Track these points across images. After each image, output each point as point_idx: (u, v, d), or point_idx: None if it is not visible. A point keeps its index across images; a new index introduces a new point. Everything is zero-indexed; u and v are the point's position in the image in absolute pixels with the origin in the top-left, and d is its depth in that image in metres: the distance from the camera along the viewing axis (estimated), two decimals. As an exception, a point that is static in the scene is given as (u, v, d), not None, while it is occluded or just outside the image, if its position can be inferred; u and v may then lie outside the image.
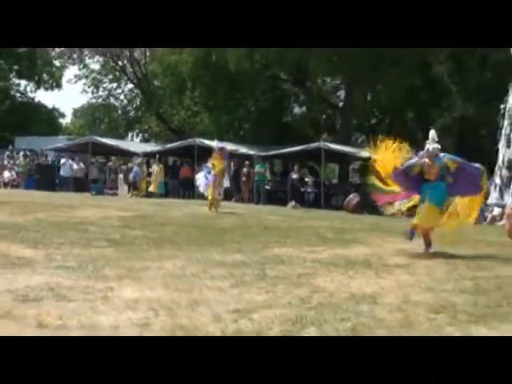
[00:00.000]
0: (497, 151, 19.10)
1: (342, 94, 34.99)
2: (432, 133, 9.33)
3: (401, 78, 27.10)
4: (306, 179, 26.14)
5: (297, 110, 38.37)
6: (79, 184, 27.19)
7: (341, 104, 33.70)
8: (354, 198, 20.71)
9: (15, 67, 44.84)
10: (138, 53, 40.63)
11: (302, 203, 22.43)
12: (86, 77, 43.92)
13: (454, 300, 5.45)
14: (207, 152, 18.83)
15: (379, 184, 9.46)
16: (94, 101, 46.87)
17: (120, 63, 42.51)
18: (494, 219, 17.90)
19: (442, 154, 9.11)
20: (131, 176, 25.44)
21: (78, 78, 43.97)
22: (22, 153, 30.32)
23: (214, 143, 16.88)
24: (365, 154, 24.24)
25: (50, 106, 48.41)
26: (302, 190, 24.70)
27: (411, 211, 9.52)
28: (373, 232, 12.07)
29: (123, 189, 25.63)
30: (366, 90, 30.14)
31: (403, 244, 9.55)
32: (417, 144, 38.62)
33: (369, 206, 20.16)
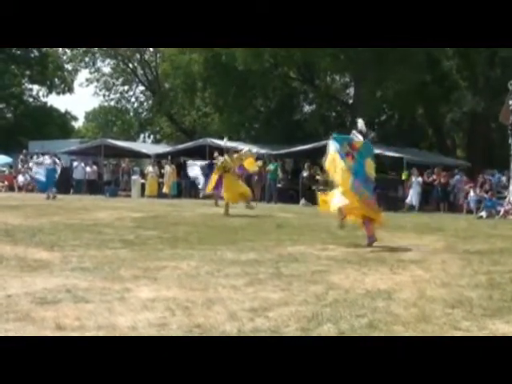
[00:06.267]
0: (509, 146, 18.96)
1: (351, 91, 34.92)
2: (360, 122, 9.32)
3: (409, 74, 26.95)
4: (317, 177, 26.05)
5: (306, 108, 38.36)
6: (92, 186, 27.30)
7: (350, 101, 33.62)
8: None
9: (27, 72, 45.06)
10: (148, 55, 40.77)
11: (314, 201, 22.35)
12: (98, 80, 44.14)
13: (469, 295, 5.41)
14: (219, 151, 18.87)
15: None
16: (105, 104, 47.15)
17: (131, 65, 42.67)
18: (506, 213, 17.79)
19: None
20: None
21: (90, 81, 44.24)
22: (35, 157, 30.38)
23: (224, 141, 16.29)
24: (376, 150, 24.31)
25: (62, 109, 48.71)
26: (313, 187, 24.62)
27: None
28: (384, 228, 12.00)
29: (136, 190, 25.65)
30: (374, 86, 30.00)
31: (416, 239, 9.50)
32: (427, 139, 38.55)
33: (381, 203, 20.14)
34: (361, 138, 9.08)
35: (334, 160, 8.99)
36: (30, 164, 21.82)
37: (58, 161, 21.76)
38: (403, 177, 22.87)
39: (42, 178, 21.10)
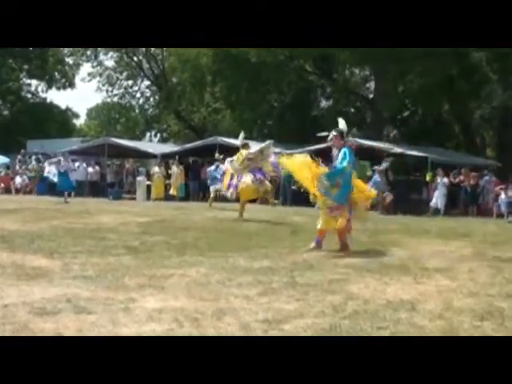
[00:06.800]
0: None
1: (371, 85, 34.87)
2: (341, 122, 9.27)
3: (435, 67, 26.80)
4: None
5: (323, 103, 38.34)
6: (95, 188, 27.41)
7: (371, 96, 33.57)
8: (387, 197, 20.57)
9: (25, 66, 45.22)
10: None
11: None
12: (101, 74, 44.32)
13: (500, 305, 5.38)
14: (230, 151, 18.90)
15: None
16: (109, 100, 47.32)
17: (136, 59, 42.77)
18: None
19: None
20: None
21: (92, 75, 44.43)
22: (34, 157, 30.54)
23: (240, 137, 15.80)
24: (398, 149, 24.24)
25: (62, 106, 48.96)
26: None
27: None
28: (408, 233, 11.99)
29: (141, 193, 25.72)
30: (396, 80, 29.91)
31: (441, 246, 9.46)
32: (453, 137, 38.17)
33: (403, 206, 20.08)
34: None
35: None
36: (46, 164, 21.89)
37: (71, 164, 21.83)
38: (427, 178, 22.76)
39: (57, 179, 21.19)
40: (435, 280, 6.75)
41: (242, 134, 15.65)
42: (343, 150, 8.99)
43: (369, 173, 21.63)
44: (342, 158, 8.89)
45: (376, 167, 21.46)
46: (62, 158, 21.15)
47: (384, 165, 20.85)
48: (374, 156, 28.70)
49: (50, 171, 22.52)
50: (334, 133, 9.23)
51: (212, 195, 19.84)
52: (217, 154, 19.22)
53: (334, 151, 9.26)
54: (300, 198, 24.37)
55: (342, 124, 9.29)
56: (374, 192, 9.87)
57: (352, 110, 37.24)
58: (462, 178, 22.43)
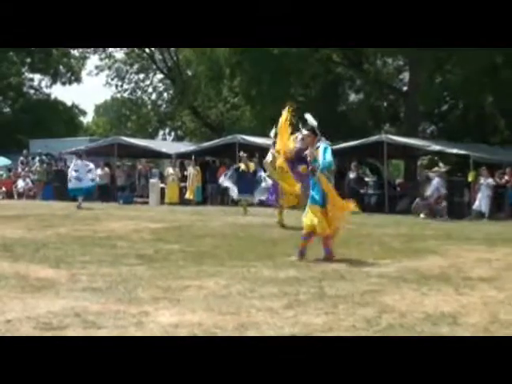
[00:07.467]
0: None
1: (405, 76, 34.68)
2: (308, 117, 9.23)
3: (477, 55, 26.54)
4: (366, 179, 25.93)
5: (353, 97, 38.18)
6: (104, 192, 27.54)
7: (405, 88, 33.38)
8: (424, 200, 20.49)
9: (28, 60, 45.47)
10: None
11: (363, 207, 22.27)
12: (109, 67, 44.42)
13: (551, 319, 5.34)
14: (250, 150, 18.94)
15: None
16: (118, 95, 47.44)
17: (147, 50, 42.84)
18: None
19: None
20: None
21: (100, 69, 44.53)
22: (37, 158, 30.75)
23: (273, 132, 15.36)
24: (436, 147, 24.09)
25: (68, 102, 49.27)
26: (362, 191, 24.51)
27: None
28: (448, 239, 11.93)
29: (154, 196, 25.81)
30: (434, 70, 29.70)
31: (486, 253, 9.39)
32: (498, 133, 37.87)
33: (442, 209, 19.97)
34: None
35: None
36: (72, 164, 22.04)
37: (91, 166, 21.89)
38: (470, 178, 22.58)
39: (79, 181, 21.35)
40: (480, 291, 6.71)
41: (274, 130, 15.22)
42: (322, 146, 8.93)
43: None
44: (323, 153, 8.84)
45: (436, 169, 21.44)
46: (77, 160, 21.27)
47: (442, 166, 20.89)
48: (408, 155, 28.65)
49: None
50: (304, 131, 9.18)
51: (243, 203, 18.79)
52: (241, 153, 19.20)
53: (309, 151, 9.17)
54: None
55: (310, 119, 9.22)
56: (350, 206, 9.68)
57: (384, 104, 37.07)
58: (507, 177, 22.24)
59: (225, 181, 18.66)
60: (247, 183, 17.84)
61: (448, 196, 20.80)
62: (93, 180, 21.33)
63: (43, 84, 47.50)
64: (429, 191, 20.39)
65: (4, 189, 29.60)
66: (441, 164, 21.18)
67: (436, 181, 20.37)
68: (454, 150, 23.55)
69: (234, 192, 18.30)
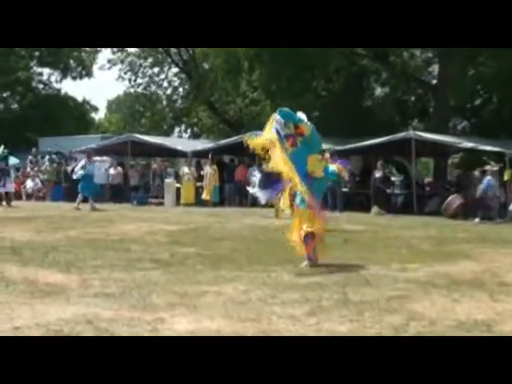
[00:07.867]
0: None
1: (435, 68, 34.49)
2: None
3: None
4: (393, 178, 25.84)
5: (378, 91, 38.02)
6: (117, 192, 27.61)
7: (434, 82, 33.20)
8: (455, 201, 20.35)
9: (36, 53, 45.51)
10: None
11: (389, 208, 22.20)
12: (122, 61, 44.46)
13: None
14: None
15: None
16: (131, 90, 47.50)
17: (162, 43, 42.85)
18: None
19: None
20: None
21: (113, 63, 44.59)
22: (47, 157, 30.82)
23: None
24: (468, 144, 23.90)
25: (79, 98, 49.31)
26: (388, 191, 24.44)
27: None
28: (482, 242, 11.85)
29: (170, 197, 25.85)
30: (465, 62, 29.50)
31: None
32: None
33: (474, 210, 19.82)
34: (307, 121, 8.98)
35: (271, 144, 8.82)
36: (97, 163, 22.15)
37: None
38: (505, 177, 22.41)
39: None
40: (516, 297, 6.67)
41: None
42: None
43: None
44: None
45: (488, 167, 21.31)
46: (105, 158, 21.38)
47: (493, 164, 20.78)
48: (438, 153, 28.48)
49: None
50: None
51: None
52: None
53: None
54: (352, 202, 24.39)
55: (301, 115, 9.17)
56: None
57: (412, 98, 36.87)
58: (546, 176, 22.06)
59: (257, 191, 18.34)
60: (274, 183, 17.55)
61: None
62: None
63: (53, 79, 47.49)
64: (479, 191, 20.21)
65: (12, 189, 29.70)
66: (492, 162, 21.00)
67: (487, 180, 20.21)
68: (488, 148, 23.34)
69: (263, 199, 17.97)
